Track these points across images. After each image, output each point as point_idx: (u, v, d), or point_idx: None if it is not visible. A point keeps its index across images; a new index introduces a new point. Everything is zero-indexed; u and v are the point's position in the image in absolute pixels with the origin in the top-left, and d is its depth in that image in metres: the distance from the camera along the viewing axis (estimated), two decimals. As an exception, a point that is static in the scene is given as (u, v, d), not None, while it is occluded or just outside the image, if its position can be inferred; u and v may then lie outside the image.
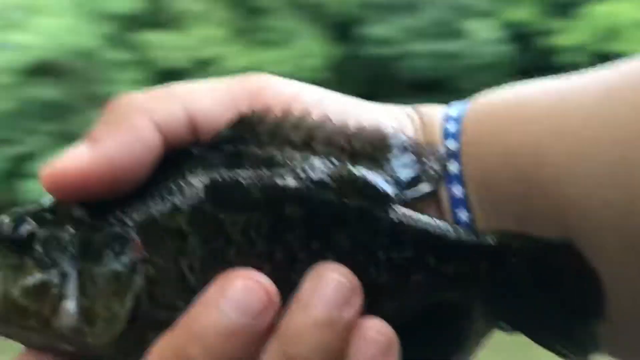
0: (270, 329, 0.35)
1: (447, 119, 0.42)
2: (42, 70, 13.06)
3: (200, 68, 14.13)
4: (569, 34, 16.83)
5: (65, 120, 13.42)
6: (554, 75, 0.42)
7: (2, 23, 12.13)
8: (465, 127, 0.41)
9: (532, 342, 0.39)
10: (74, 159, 0.36)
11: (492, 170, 0.40)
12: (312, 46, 14.36)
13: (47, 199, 0.39)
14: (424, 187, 0.40)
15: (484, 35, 15.86)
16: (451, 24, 16.17)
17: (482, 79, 15.86)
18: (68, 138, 12.67)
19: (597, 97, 0.38)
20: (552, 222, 0.38)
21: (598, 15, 16.27)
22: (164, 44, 13.79)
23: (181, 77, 13.45)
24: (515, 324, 0.39)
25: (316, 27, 15.47)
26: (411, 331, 0.38)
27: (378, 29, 15.31)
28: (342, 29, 16.24)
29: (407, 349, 0.37)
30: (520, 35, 16.68)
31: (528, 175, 0.38)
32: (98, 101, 12.81)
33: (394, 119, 0.42)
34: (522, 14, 16.26)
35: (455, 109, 0.43)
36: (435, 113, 0.43)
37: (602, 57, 0.40)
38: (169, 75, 14.12)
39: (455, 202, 0.41)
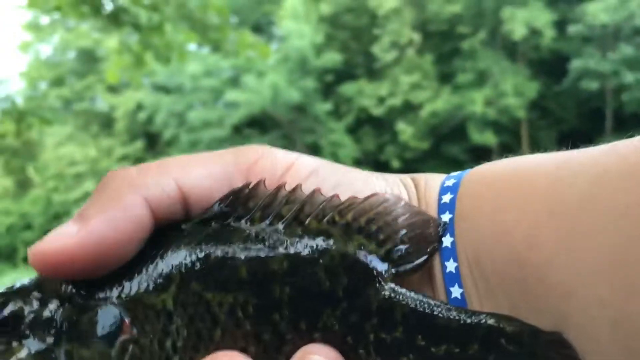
0: None
1: (444, 189, 0.40)
2: (254, 123, 14.27)
3: (402, 113, 14.42)
4: None
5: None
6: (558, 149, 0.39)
7: (217, 83, 13.56)
8: (461, 199, 0.39)
9: None
10: (63, 238, 0.35)
11: (485, 247, 0.37)
12: (512, 85, 13.87)
13: (35, 277, 0.39)
14: (417, 261, 0.37)
15: None
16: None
17: None
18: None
19: (593, 179, 0.36)
20: (547, 306, 0.36)
21: None
22: (366, 93, 14.35)
23: (385, 123, 13.82)
24: None
25: (516, 66, 14.96)
26: None
27: (586, 62, 14.34)
28: (544, 65, 15.48)
29: None
30: None
31: (522, 256, 0.36)
32: (310, 150, 13.62)
33: (389, 188, 0.40)
34: None
35: (452, 179, 0.41)
36: (432, 183, 0.41)
37: None
38: (373, 121, 14.61)
39: (449, 278, 0.38)
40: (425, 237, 0.38)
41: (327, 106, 13.80)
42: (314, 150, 13.43)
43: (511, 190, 0.38)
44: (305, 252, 0.37)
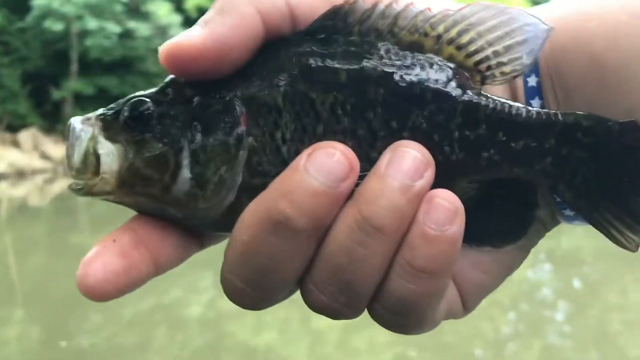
0: (350, 194, 0.39)
1: None
2: None
3: None
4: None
5: None
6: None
7: None
8: (546, 22, 0.43)
9: (592, 226, 0.41)
10: (189, 38, 0.40)
11: (567, 57, 0.42)
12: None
13: (161, 84, 0.44)
14: (505, 75, 0.42)
15: (169, 19, 15.81)
16: (136, 5, 15.72)
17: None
18: None
19: None
20: (621, 105, 0.41)
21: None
22: None
23: None
24: (576, 205, 0.41)
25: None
26: (480, 207, 0.41)
27: (50, 2, 14.06)
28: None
29: (475, 225, 0.40)
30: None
31: (601, 59, 0.41)
32: None
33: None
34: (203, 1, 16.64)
35: (538, 6, 0.45)
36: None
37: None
38: None
39: (530, 92, 0.44)
40: (515, 51, 0.41)
41: None
42: None
43: (592, 6, 0.43)
44: (397, 59, 0.41)
